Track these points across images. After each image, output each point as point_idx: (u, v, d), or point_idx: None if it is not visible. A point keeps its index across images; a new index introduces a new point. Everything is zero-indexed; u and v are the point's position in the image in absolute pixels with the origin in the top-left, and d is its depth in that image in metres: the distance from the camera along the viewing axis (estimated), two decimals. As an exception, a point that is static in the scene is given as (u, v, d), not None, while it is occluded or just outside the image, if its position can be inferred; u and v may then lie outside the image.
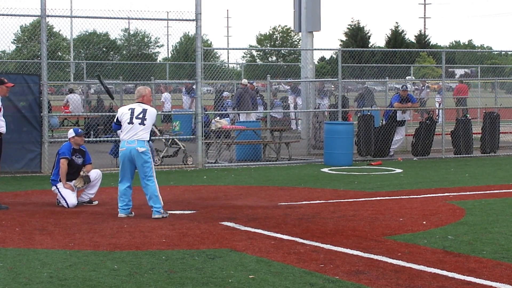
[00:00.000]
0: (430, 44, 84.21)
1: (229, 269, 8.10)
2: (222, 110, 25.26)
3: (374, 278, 7.73)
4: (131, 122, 11.59)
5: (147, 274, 7.92)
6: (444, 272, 7.94)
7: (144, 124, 11.57)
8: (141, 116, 11.61)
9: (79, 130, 13.13)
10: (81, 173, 12.82)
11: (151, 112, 11.73)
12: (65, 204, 12.57)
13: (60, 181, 12.69)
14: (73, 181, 12.76)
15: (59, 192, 12.67)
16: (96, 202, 12.87)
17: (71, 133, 13.01)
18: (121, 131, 11.69)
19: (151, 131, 11.90)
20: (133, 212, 11.70)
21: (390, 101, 22.35)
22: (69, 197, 12.61)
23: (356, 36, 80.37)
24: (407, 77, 36.94)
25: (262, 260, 8.54)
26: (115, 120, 11.88)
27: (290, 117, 30.28)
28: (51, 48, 56.51)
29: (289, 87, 30.74)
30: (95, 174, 12.96)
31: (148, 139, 11.65)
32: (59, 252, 8.98)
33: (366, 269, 8.08)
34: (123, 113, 11.73)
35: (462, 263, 8.40)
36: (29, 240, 9.75)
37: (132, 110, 11.68)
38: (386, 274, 7.89)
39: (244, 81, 26.56)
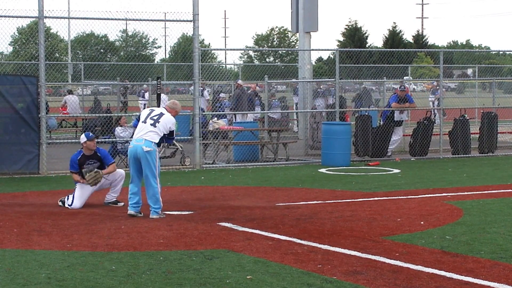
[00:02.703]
0: (428, 44, 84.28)
1: (226, 270, 8.10)
2: (219, 111, 25.26)
3: (371, 278, 7.74)
4: (144, 122, 11.66)
5: (144, 274, 7.92)
6: (442, 272, 7.95)
7: (155, 126, 11.56)
8: (155, 118, 11.64)
9: (90, 135, 12.97)
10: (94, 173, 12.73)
11: (167, 118, 11.68)
12: (69, 202, 12.53)
13: (81, 182, 12.69)
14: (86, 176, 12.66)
15: (75, 191, 12.66)
16: (122, 204, 12.61)
17: (82, 138, 12.89)
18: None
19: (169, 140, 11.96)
20: (142, 213, 11.69)
21: (388, 101, 22.36)
22: (77, 199, 12.57)
23: (354, 36, 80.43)
24: (404, 77, 36.96)
25: (259, 260, 8.55)
26: (137, 117, 12.01)
27: (289, 117, 30.26)
28: (49, 49, 56.51)
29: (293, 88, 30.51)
30: (118, 174, 12.91)
31: (157, 141, 11.56)
32: (57, 253, 8.98)
33: (364, 270, 8.08)
34: (143, 112, 11.91)
35: (460, 263, 8.41)
36: (27, 241, 9.75)
37: (151, 111, 11.78)
38: (384, 274, 7.89)
39: (239, 81, 26.57)
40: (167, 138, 11.85)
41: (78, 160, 12.75)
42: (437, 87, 34.50)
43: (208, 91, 29.37)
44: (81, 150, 12.87)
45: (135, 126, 11.91)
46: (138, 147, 11.52)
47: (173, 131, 11.77)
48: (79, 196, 12.63)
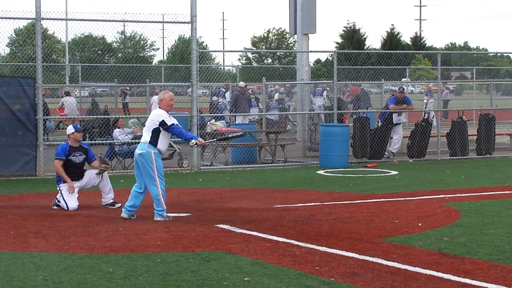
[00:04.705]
0: (426, 46, 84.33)
1: (224, 272, 8.09)
2: (217, 113, 25.23)
3: (369, 280, 7.73)
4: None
5: (142, 277, 7.91)
6: (440, 274, 7.94)
7: (145, 126, 11.60)
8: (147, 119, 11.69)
9: (78, 126, 13.10)
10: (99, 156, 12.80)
11: (152, 113, 11.71)
12: (65, 207, 12.49)
13: (64, 182, 12.63)
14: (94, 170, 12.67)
15: (61, 194, 12.60)
16: (119, 205, 12.55)
17: (70, 129, 12.96)
18: None
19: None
20: (135, 215, 11.64)
21: (386, 103, 22.36)
22: (70, 200, 12.53)
23: (352, 38, 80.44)
24: (402, 79, 36.96)
25: (257, 262, 8.53)
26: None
27: (287, 119, 30.24)
28: (46, 51, 56.51)
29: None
30: (104, 177, 12.85)
31: (149, 140, 11.44)
32: (54, 255, 8.96)
33: (362, 271, 8.07)
34: None
35: (458, 264, 8.40)
36: (24, 243, 9.73)
37: None
38: (382, 276, 7.88)
39: (241, 83, 26.55)
40: (172, 131, 11.40)
41: (67, 150, 12.77)
42: (431, 89, 34.54)
43: (228, 93, 29.08)
44: (68, 142, 12.91)
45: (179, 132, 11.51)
46: (136, 152, 11.55)
47: (164, 121, 11.28)
48: (68, 197, 12.56)
